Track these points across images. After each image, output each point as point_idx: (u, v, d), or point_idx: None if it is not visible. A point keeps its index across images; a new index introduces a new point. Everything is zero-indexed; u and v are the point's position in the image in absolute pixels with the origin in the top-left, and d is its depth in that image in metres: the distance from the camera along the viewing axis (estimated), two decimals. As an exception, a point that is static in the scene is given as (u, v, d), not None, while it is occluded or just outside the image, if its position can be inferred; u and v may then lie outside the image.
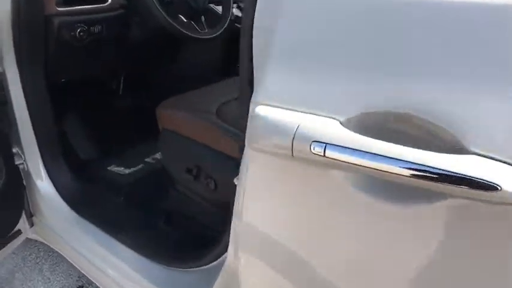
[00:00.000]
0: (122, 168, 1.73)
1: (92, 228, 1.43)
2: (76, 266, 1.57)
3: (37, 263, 1.90)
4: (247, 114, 0.68)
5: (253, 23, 0.64)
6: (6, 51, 1.33)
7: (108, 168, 1.74)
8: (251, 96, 0.67)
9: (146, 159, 1.80)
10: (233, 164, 1.17)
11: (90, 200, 1.52)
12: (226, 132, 1.19)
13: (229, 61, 2.00)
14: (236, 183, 0.77)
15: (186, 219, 1.37)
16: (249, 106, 0.67)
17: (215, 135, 1.20)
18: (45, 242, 1.65)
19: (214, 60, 1.96)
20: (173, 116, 1.32)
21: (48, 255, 1.92)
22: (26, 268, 1.86)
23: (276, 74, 0.61)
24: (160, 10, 1.29)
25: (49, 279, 1.81)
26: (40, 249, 1.94)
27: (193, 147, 1.24)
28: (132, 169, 1.73)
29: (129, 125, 1.90)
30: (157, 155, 1.83)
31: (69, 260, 1.60)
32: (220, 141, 1.19)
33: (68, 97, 1.70)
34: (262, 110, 0.61)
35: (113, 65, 1.68)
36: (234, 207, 0.79)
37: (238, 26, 1.92)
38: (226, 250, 0.92)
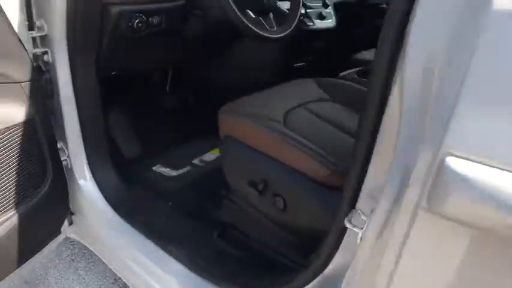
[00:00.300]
0: (168, 170, 1.62)
1: (137, 235, 1.33)
2: (117, 273, 1.48)
3: (72, 260, 1.82)
4: (368, 153, 0.55)
5: (402, 43, 0.50)
6: (58, 41, 1.23)
7: (153, 168, 1.63)
8: (374, 136, 0.53)
9: (193, 161, 1.69)
10: (308, 185, 1.05)
11: (135, 204, 1.42)
12: (298, 144, 1.06)
13: (287, 61, 1.86)
14: (355, 229, 0.64)
15: (243, 235, 1.24)
16: (369, 144, 0.54)
17: (286, 147, 1.07)
18: (84, 243, 1.57)
19: (271, 59, 1.82)
20: (237, 123, 1.19)
21: (83, 253, 1.85)
22: (61, 265, 1.79)
23: (482, 117, 0.46)
24: (232, 4, 1.15)
25: (84, 279, 1.73)
26: (75, 246, 1.87)
27: (261, 159, 1.10)
28: (180, 171, 1.61)
29: (174, 124, 1.79)
30: (205, 157, 1.72)
31: (110, 267, 1.50)
32: (291, 156, 1.06)
33: (114, 92, 1.60)
34: (464, 166, 0.45)
35: (165, 60, 1.57)
36: (358, 262, 0.64)
37: (305, 25, 1.81)
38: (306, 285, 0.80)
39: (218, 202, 1.36)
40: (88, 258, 1.82)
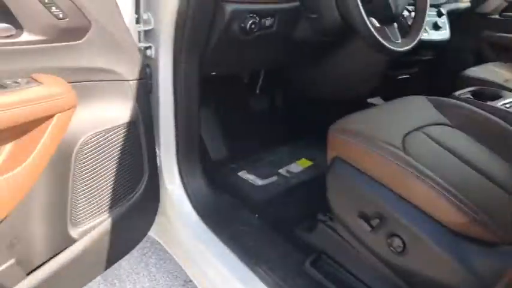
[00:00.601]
0: (254, 177, 1.54)
1: (222, 248, 1.25)
2: (192, 279, 1.43)
3: (143, 254, 1.80)
4: None
5: None
6: (164, 36, 1.16)
7: (239, 174, 1.56)
8: None
9: (279, 170, 1.59)
10: (439, 231, 0.91)
11: (221, 212, 1.35)
12: (427, 180, 0.91)
13: (391, 72, 1.71)
14: None
15: (340, 267, 1.12)
16: None
17: (410, 181, 0.93)
18: (163, 245, 1.53)
19: (374, 68, 1.68)
20: (349, 145, 1.06)
21: (155, 248, 1.82)
22: (133, 259, 1.77)
23: None
24: (362, 9, 1.02)
25: (154, 276, 1.70)
26: (147, 240, 1.84)
27: (379, 191, 0.97)
28: (265, 181, 1.52)
29: (262, 127, 1.70)
30: (291, 167, 1.62)
31: (185, 270, 1.45)
32: (418, 192, 0.92)
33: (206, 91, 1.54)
34: None
35: (266, 62, 1.47)
36: None
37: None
38: None
39: (311, 224, 1.25)
40: (159, 255, 1.79)
